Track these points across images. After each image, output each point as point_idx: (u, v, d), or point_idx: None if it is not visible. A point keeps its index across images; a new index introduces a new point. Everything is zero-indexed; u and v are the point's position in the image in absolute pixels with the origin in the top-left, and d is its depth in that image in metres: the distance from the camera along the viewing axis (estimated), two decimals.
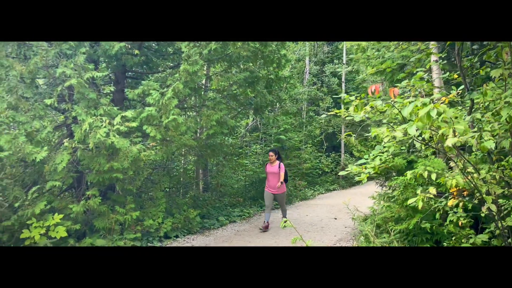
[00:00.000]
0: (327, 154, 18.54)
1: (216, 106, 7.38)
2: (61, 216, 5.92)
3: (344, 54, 18.77)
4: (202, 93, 8.57)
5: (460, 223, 3.97)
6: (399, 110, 2.55)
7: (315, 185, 15.63)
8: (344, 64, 18.45)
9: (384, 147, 3.68)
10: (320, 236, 7.65)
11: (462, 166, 2.91)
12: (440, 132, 2.35)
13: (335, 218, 9.55)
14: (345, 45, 17.41)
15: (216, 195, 10.63)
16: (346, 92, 18.60)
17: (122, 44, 6.19)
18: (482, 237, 3.82)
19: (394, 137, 2.75)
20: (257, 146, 13.41)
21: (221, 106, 7.34)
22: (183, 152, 10.15)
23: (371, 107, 2.84)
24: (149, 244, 6.83)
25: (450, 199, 3.38)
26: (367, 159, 3.77)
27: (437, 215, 4.05)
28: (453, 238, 4.30)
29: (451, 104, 4.49)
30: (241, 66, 8.25)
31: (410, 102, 2.43)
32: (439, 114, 2.28)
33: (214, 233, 7.89)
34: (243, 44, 6.92)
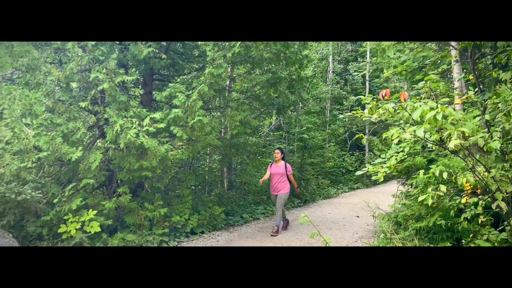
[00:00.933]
0: (351, 152, 18.56)
1: (239, 107, 7.63)
2: (94, 212, 6.30)
3: (368, 53, 18.73)
4: (226, 94, 8.84)
5: (480, 221, 4.08)
6: (410, 113, 2.72)
7: (338, 184, 15.72)
8: (368, 62, 18.41)
9: (400, 147, 3.83)
10: (342, 233, 7.79)
11: (471, 165, 3.05)
12: (445, 134, 2.50)
13: (357, 216, 9.66)
14: (368, 43, 17.38)
15: (240, 193, 10.89)
16: (370, 91, 18.58)
17: (150, 49, 6.50)
18: (502, 235, 3.90)
19: (406, 138, 2.91)
20: (281, 146, 13.60)
21: (244, 107, 7.58)
22: (208, 152, 10.47)
23: (384, 109, 3.01)
24: (177, 240, 7.14)
25: (463, 197, 3.51)
26: (384, 158, 3.93)
27: (452, 213, 4.17)
28: (470, 236, 4.40)
29: (471, 104, 4.59)
30: (264, 68, 8.46)
31: (420, 106, 2.59)
32: (445, 117, 2.44)
33: (238, 230, 8.16)
34: (266, 46, 7.14)
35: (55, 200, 6.00)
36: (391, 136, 2.91)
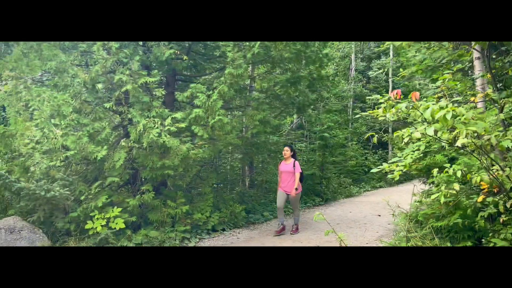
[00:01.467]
0: (374, 151, 18.40)
1: (259, 106, 7.73)
2: (119, 209, 6.53)
3: (391, 51, 18.51)
4: (247, 93, 8.95)
5: (501, 220, 4.06)
6: (421, 112, 2.76)
7: (361, 182, 15.63)
8: (391, 60, 18.20)
9: (416, 145, 3.85)
10: (362, 232, 7.80)
11: (486, 164, 3.06)
12: (453, 133, 2.54)
13: (379, 215, 9.62)
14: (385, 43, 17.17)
15: (262, 191, 10.99)
16: (394, 89, 18.36)
17: (172, 50, 6.68)
18: None
19: (417, 138, 2.94)
20: (302, 144, 13.64)
21: (264, 107, 7.69)
22: (230, 150, 10.62)
23: (397, 109, 3.05)
24: (198, 236, 7.31)
25: (480, 195, 3.51)
26: (400, 157, 3.96)
27: (469, 211, 4.16)
28: (489, 235, 4.37)
29: (492, 102, 4.56)
30: (284, 67, 8.53)
31: (431, 105, 2.63)
32: (455, 116, 2.47)
33: (258, 227, 8.27)
34: (285, 46, 7.22)
35: (82, 197, 6.25)
36: (402, 135, 2.96)
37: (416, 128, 2.85)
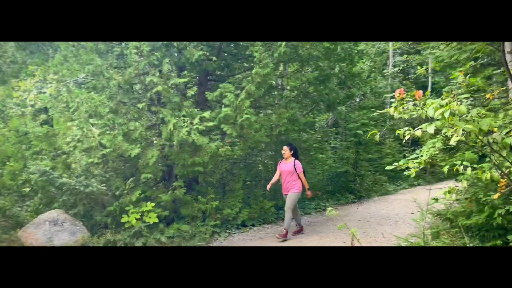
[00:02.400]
0: (412, 148, 17.98)
1: (287, 105, 7.86)
2: (153, 204, 6.88)
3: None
4: (275, 92, 9.09)
5: None
6: (425, 110, 2.81)
7: (398, 180, 15.35)
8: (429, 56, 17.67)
9: (432, 142, 3.86)
10: (392, 229, 7.75)
11: (495, 161, 3.05)
12: (450, 131, 2.57)
13: (412, 213, 9.47)
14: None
15: None
16: (433, 84, 17.85)
17: (201, 52, 6.93)
18: None
19: (418, 135, 2.98)
20: (336, 141, 13.60)
21: (292, 105, 7.80)
22: (263, 148, 10.80)
23: (403, 107, 3.11)
24: (228, 231, 7.55)
25: (496, 193, 3.49)
26: (418, 154, 3.99)
27: (486, 209, 4.11)
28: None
29: None
30: (313, 65, 8.60)
31: (433, 103, 2.68)
32: (452, 114, 2.51)
33: None
34: (311, 44, 7.30)
35: (117, 192, 6.65)
36: (403, 133, 3.01)
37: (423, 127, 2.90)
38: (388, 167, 3.89)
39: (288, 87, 9.21)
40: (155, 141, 6.81)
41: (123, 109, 6.86)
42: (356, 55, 9.11)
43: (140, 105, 6.70)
